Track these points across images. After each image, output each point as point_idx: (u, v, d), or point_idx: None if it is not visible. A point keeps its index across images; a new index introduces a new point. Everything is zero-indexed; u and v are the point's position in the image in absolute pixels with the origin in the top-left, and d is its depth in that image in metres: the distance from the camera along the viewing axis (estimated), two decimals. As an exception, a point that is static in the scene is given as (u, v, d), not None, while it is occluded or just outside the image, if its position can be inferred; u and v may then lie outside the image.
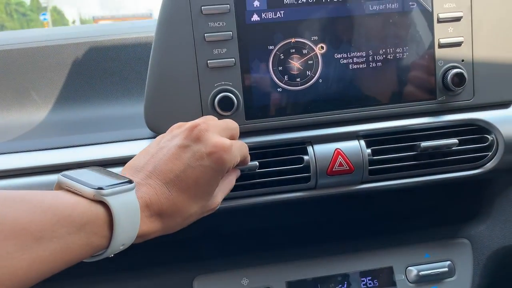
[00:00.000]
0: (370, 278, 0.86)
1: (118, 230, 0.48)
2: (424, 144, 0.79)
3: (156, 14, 1.06)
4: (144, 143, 0.77)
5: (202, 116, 0.75)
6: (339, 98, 0.78)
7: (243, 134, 0.78)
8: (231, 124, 0.68)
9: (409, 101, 0.80)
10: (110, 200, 0.48)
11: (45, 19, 36.52)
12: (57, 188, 0.51)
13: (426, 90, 0.80)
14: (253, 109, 0.76)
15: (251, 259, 0.87)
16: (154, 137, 0.78)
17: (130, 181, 0.51)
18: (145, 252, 0.93)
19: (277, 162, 0.79)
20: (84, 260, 0.49)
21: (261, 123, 0.78)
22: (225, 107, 0.74)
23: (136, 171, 0.57)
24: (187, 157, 0.57)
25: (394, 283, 0.86)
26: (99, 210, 0.48)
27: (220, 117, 0.76)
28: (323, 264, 0.87)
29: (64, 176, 0.51)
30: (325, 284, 0.85)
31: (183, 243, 0.97)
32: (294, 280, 0.85)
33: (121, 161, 0.75)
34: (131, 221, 0.50)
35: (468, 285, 0.88)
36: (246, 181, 0.78)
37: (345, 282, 0.86)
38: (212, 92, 0.75)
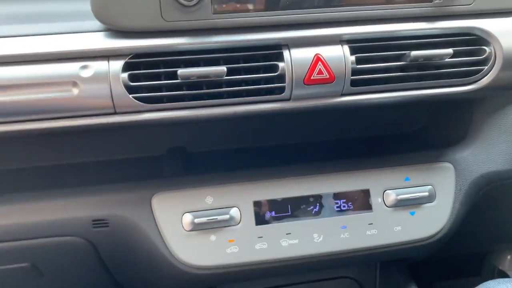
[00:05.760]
0: (344, 200, 0.80)
1: None
2: (414, 53, 0.70)
3: None
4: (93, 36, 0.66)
5: (160, 5, 0.63)
6: (322, -7, 0.67)
7: (209, 32, 0.67)
8: None
9: (402, 2, 0.70)
10: None
11: None
12: None
13: (423, -9, 0.70)
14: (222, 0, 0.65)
15: (217, 178, 0.79)
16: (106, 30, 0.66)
17: None
18: (106, 169, 0.85)
19: (249, 69, 0.69)
20: None
21: (231, 19, 0.66)
22: (187, -6, 0.62)
23: None
24: None
25: (370, 207, 0.80)
26: None
27: (183, 8, 0.64)
28: (294, 185, 0.79)
29: None
30: (296, 205, 0.79)
31: (143, 161, 0.88)
32: (262, 200, 0.78)
33: (68, 56, 0.64)
34: None
35: (447, 212, 0.83)
36: (211, 89, 0.68)
37: (317, 204, 0.79)
38: (173, -23, 0.63)
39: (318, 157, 0.85)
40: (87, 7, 0.66)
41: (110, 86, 0.65)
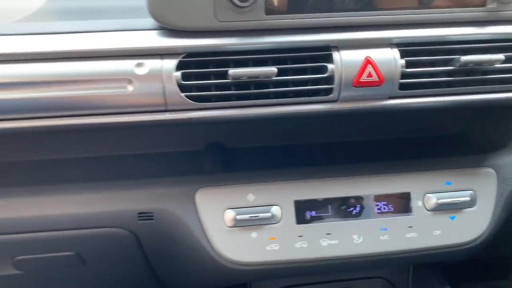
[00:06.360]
0: (385, 203, 0.80)
1: None
2: (464, 58, 0.70)
3: None
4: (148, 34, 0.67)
5: (214, 5, 0.64)
6: (375, -4, 0.67)
7: (261, 33, 0.68)
8: None
9: (455, 6, 0.69)
10: None
11: None
12: None
13: (476, -5, 0.69)
14: (275, 1, 0.65)
15: (259, 176, 0.81)
16: (160, 28, 0.67)
17: None
18: (147, 162, 0.87)
19: (297, 70, 0.70)
20: None
21: (283, 20, 0.67)
22: (242, -5, 0.63)
23: None
24: None
25: (410, 210, 0.80)
26: None
27: (236, 9, 0.65)
28: (335, 185, 0.80)
29: None
30: (337, 205, 0.79)
31: (186, 157, 0.90)
32: (303, 199, 0.79)
33: (124, 53, 0.66)
34: None
35: (488, 217, 0.82)
36: (260, 89, 0.69)
37: (358, 206, 0.80)
38: (228, -23, 0.64)
39: (359, 158, 0.85)
40: (138, 3, 0.67)
41: (164, 84, 0.66)
